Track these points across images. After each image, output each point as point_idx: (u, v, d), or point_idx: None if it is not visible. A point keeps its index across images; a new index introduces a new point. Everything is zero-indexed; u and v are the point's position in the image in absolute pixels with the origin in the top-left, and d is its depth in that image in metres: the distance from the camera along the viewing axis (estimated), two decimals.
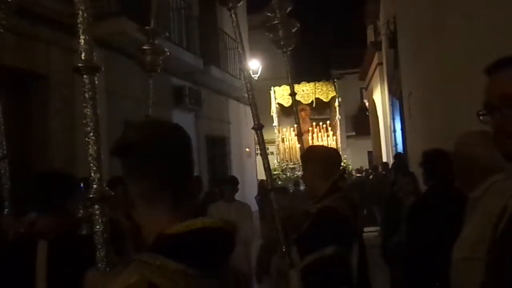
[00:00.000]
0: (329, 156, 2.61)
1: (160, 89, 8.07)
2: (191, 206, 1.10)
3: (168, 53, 2.90)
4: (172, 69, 8.31)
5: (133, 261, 0.99)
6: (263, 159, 2.49)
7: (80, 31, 1.44)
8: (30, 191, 2.04)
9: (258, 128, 2.45)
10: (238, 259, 4.95)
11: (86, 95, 1.46)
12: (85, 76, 1.45)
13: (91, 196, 1.41)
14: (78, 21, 1.44)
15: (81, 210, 2.51)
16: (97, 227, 1.40)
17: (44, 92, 5.47)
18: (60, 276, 1.82)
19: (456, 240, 1.80)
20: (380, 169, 12.58)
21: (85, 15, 1.45)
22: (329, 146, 13.57)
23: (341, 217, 2.33)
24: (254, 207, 7.76)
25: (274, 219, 2.42)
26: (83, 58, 1.45)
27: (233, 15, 2.44)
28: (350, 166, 14.32)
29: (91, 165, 1.43)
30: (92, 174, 1.43)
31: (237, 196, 5.61)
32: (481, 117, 1.26)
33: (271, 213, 2.44)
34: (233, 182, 5.56)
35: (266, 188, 2.54)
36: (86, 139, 1.44)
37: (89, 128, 1.45)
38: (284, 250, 2.35)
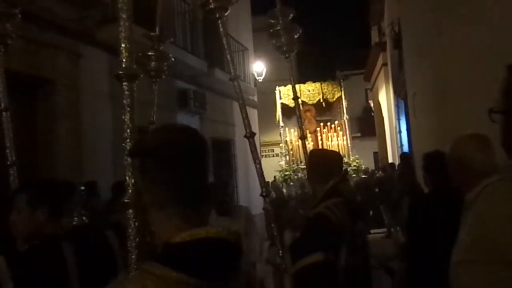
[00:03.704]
0: (325, 160, 2.64)
1: (164, 93, 8.10)
2: (203, 214, 1.09)
3: (173, 59, 2.90)
4: (177, 72, 8.34)
5: (137, 270, 1.00)
6: (256, 165, 2.43)
7: (122, 39, 1.46)
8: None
9: (250, 136, 2.41)
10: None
11: (125, 102, 1.48)
12: (124, 83, 1.46)
13: (125, 200, 1.41)
14: (120, 28, 1.46)
15: (75, 218, 2.57)
16: (130, 231, 1.40)
17: (50, 97, 5.51)
18: (87, 275, 1.94)
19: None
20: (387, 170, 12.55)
21: (127, 23, 1.46)
22: (339, 146, 13.57)
23: (330, 223, 2.34)
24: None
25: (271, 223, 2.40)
26: (123, 65, 1.46)
27: (220, 24, 2.39)
28: (363, 166, 14.25)
29: (126, 170, 1.43)
30: (127, 179, 1.43)
31: (244, 198, 5.62)
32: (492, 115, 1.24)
33: (267, 217, 2.41)
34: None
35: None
36: (123, 144, 1.45)
37: (126, 135, 1.45)
38: (280, 252, 2.35)
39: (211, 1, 2.22)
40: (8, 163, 2.70)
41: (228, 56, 2.48)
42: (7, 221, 2.59)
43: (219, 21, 2.36)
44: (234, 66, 2.48)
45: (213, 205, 5.39)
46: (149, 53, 2.77)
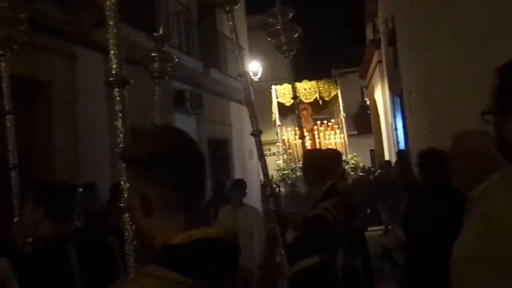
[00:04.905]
0: (321, 161, 2.62)
1: (161, 93, 8.09)
2: (202, 214, 1.11)
3: (177, 60, 2.88)
4: (173, 73, 8.34)
5: (136, 272, 1.00)
6: (261, 165, 2.43)
7: (110, 46, 1.46)
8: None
9: (257, 134, 2.39)
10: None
11: (117, 108, 1.49)
12: (115, 90, 1.48)
13: (121, 205, 1.42)
14: (108, 36, 1.46)
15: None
16: (127, 235, 1.41)
17: (46, 100, 5.49)
18: (90, 277, 1.97)
19: (455, 239, 1.81)
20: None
21: (115, 30, 1.46)
22: (336, 144, 13.56)
23: (327, 225, 2.34)
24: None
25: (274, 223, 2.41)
26: (113, 72, 1.47)
27: (230, 18, 2.41)
28: (361, 164, 14.25)
29: (121, 175, 1.44)
30: (122, 184, 1.44)
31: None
32: (484, 117, 1.25)
33: (268, 216, 2.43)
34: (241, 185, 5.43)
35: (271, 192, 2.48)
36: (116, 150, 1.45)
37: (119, 140, 1.46)
38: (282, 252, 2.36)
39: None
40: (10, 166, 2.72)
41: (237, 51, 2.50)
42: (8, 224, 2.61)
43: (229, 15, 2.37)
44: (241, 61, 2.50)
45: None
46: (152, 54, 2.75)
